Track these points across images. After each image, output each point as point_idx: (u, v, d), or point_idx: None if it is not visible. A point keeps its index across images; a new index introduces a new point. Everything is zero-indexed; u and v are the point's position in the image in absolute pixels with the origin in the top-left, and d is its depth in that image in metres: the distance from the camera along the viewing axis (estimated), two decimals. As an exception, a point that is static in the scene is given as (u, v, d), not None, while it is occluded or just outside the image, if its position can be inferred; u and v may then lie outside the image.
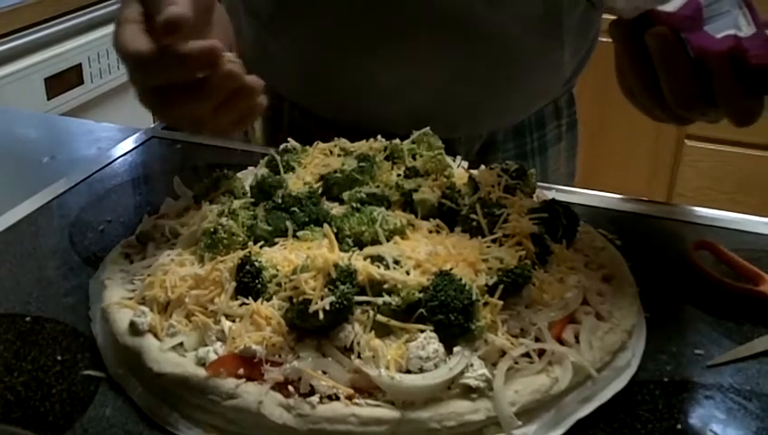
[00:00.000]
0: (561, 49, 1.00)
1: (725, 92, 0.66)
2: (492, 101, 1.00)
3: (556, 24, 0.97)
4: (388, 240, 0.65)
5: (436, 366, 0.56)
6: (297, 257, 0.63)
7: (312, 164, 0.81)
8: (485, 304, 0.60)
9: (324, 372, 0.56)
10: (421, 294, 0.59)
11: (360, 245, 0.65)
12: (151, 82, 0.66)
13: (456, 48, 0.94)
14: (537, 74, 1.01)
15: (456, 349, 0.58)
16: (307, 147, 0.84)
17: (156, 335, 0.62)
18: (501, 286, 0.61)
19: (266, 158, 0.82)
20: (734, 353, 0.66)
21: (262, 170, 0.80)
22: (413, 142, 0.83)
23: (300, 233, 0.68)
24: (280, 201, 0.72)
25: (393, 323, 0.59)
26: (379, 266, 0.61)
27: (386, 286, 0.60)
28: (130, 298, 0.66)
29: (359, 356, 0.57)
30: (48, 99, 1.94)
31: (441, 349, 0.57)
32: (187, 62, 0.63)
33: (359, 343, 0.57)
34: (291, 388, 0.56)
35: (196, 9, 0.64)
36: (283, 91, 1.07)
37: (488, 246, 0.66)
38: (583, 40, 1.03)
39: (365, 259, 0.62)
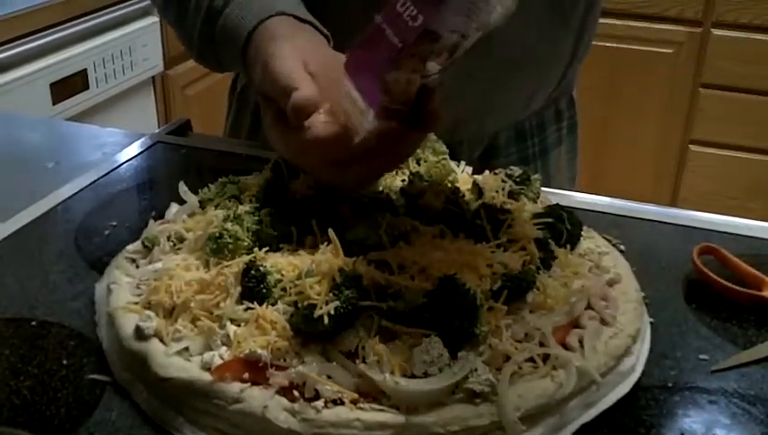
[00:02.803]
0: (566, 40, 1.00)
1: None
2: (493, 98, 1.00)
3: (561, 21, 0.97)
4: (392, 245, 0.65)
5: (440, 371, 0.57)
6: (302, 262, 0.63)
7: (316, 169, 0.81)
8: (490, 308, 0.60)
9: (329, 377, 0.57)
10: (425, 299, 0.59)
11: (365, 249, 0.65)
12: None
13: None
14: (540, 67, 1.01)
15: (460, 354, 0.58)
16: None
17: (161, 340, 0.62)
18: (505, 291, 0.61)
19: (271, 162, 0.82)
20: (739, 358, 0.66)
21: (267, 175, 0.80)
22: (417, 147, 0.83)
23: (304, 238, 0.68)
24: (285, 206, 0.72)
25: (398, 327, 0.59)
26: (383, 271, 0.61)
27: (390, 291, 0.60)
28: (136, 303, 0.66)
29: (363, 361, 0.57)
30: (53, 104, 1.95)
31: (445, 354, 0.57)
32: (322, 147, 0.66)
33: (363, 348, 0.58)
34: (296, 392, 0.56)
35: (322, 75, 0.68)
36: None
37: (492, 251, 0.66)
38: (585, 25, 1.03)
39: (369, 264, 0.62)
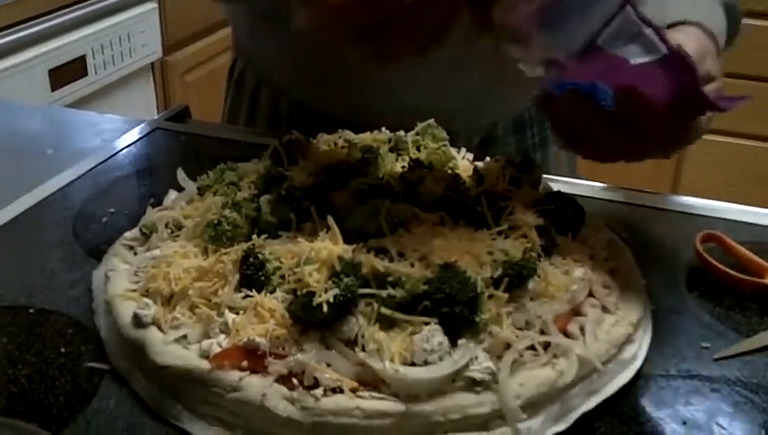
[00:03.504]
0: None
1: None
2: (490, 90, 1.00)
3: None
4: (392, 232, 0.65)
5: (440, 359, 0.56)
6: (301, 250, 0.62)
7: (315, 156, 0.80)
8: (490, 296, 0.60)
9: (328, 365, 0.56)
10: (426, 287, 0.59)
11: (364, 237, 0.65)
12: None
13: (453, 43, 0.93)
14: None
15: (460, 342, 0.57)
16: (311, 138, 0.84)
17: (159, 328, 0.61)
18: (506, 279, 0.61)
19: (270, 149, 0.82)
20: (741, 347, 0.66)
21: (266, 162, 0.80)
22: (417, 134, 0.83)
23: (303, 225, 0.68)
24: (284, 193, 0.71)
25: (397, 315, 0.58)
26: (383, 259, 0.61)
27: (390, 279, 0.60)
28: (134, 290, 0.66)
29: (363, 349, 0.57)
30: (52, 90, 1.94)
31: (446, 342, 0.57)
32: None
33: (363, 336, 0.57)
34: (295, 380, 0.56)
35: None
36: (277, 81, 1.06)
37: (493, 239, 0.65)
38: None
39: (369, 251, 0.62)
